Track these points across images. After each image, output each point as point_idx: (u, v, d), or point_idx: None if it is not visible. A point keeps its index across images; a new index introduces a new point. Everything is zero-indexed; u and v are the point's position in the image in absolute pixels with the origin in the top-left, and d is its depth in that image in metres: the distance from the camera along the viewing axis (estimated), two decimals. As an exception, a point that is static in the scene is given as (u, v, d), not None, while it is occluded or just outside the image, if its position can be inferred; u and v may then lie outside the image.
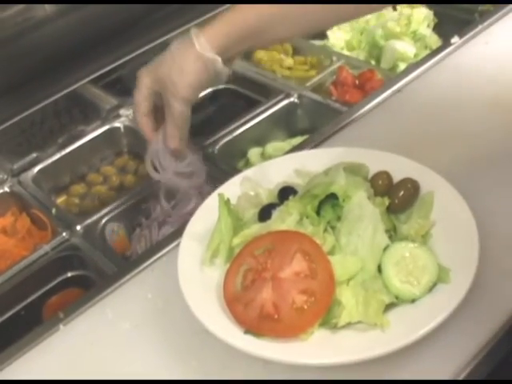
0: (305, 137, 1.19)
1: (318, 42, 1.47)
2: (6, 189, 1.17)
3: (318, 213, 0.81)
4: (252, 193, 0.91)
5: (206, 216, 0.87)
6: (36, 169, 1.20)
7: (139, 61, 1.39)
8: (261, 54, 1.41)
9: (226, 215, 0.83)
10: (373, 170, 0.89)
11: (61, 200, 1.24)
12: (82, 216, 1.09)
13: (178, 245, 0.86)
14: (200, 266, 0.82)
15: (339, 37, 1.47)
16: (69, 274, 1.05)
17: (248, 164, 1.23)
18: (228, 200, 0.85)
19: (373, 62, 1.43)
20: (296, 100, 1.27)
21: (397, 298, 0.74)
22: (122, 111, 1.30)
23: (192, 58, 0.90)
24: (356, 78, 1.31)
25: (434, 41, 1.45)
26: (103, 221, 1.06)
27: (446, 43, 1.25)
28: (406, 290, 0.74)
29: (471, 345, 0.75)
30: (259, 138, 1.25)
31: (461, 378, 0.73)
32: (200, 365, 0.77)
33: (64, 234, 1.04)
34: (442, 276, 0.75)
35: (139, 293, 0.87)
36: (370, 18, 1.48)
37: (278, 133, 1.27)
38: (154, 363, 0.79)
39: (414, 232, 0.80)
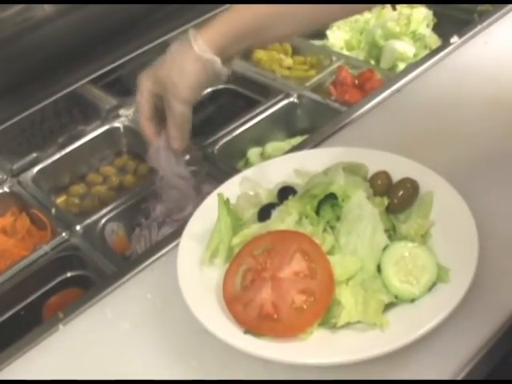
0: (304, 137, 1.19)
1: (317, 42, 1.47)
2: (6, 189, 1.17)
3: (317, 213, 0.82)
4: (251, 193, 0.91)
5: (206, 216, 0.87)
6: (36, 169, 1.20)
7: (139, 61, 1.39)
8: (260, 54, 1.41)
9: (225, 215, 0.83)
10: (372, 169, 0.89)
11: (60, 200, 1.24)
12: (82, 216, 1.09)
13: (177, 245, 0.86)
14: (199, 265, 0.82)
15: (339, 37, 1.47)
16: (68, 274, 1.05)
17: (247, 164, 1.23)
18: (227, 200, 0.85)
19: (372, 62, 1.43)
20: (295, 100, 1.27)
21: (396, 297, 0.74)
22: (122, 111, 1.30)
23: (191, 59, 0.91)
24: (355, 77, 1.31)
25: (434, 41, 1.45)
26: (103, 221, 1.06)
27: (445, 43, 1.25)
28: (406, 290, 0.74)
29: (470, 344, 0.75)
30: (259, 137, 1.25)
31: (460, 377, 0.73)
32: (199, 365, 0.77)
33: (64, 234, 1.04)
34: (441, 276, 0.75)
35: (139, 293, 0.87)
36: (369, 17, 1.48)
37: (278, 133, 1.27)
38: (153, 363, 0.79)
39: (414, 232, 0.80)
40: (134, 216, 1.10)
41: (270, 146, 1.25)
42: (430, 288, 0.74)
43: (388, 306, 0.74)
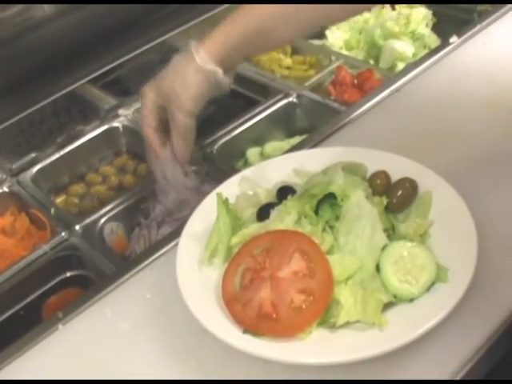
0: (303, 136, 1.19)
1: (316, 42, 1.47)
2: (5, 189, 1.17)
3: (316, 212, 0.82)
4: (250, 192, 0.91)
5: (205, 216, 0.87)
6: (35, 169, 1.20)
7: (138, 61, 1.40)
8: (260, 54, 1.41)
9: (224, 215, 0.83)
10: (371, 169, 0.89)
11: (60, 200, 1.24)
12: (81, 216, 1.09)
13: (176, 244, 0.86)
14: (198, 265, 0.82)
15: (338, 36, 1.47)
16: (68, 274, 1.05)
17: (247, 164, 1.23)
18: (226, 199, 0.85)
19: (371, 62, 1.43)
20: (295, 100, 1.27)
21: (395, 297, 0.75)
22: (121, 111, 1.30)
23: (193, 70, 0.92)
24: (355, 77, 1.31)
25: (433, 40, 1.45)
26: (102, 220, 1.06)
27: (444, 43, 1.25)
28: (405, 289, 0.74)
29: (470, 344, 0.75)
30: (258, 137, 1.25)
31: (459, 377, 0.73)
32: (199, 364, 0.77)
33: (63, 233, 1.04)
34: (440, 275, 0.75)
35: (138, 292, 0.87)
36: (368, 17, 1.48)
37: (277, 132, 1.27)
38: (152, 363, 0.79)
39: (413, 231, 0.80)
40: (133, 216, 1.10)
41: (270, 146, 1.25)
42: (429, 287, 0.74)
43: (387, 306, 0.74)
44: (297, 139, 1.23)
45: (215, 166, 1.12)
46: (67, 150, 1.24)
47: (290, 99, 1.27)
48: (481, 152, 0.99)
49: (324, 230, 0.80)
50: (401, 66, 1.38)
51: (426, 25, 1.46)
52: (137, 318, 0.84)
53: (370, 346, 0.71)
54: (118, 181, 1.26)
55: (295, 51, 1.44)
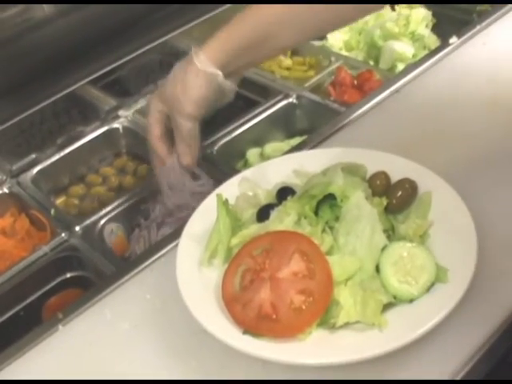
0: (303, 137, 1.19)
1: (316, 43, 1.47)
2: (5, 190, 1.17)
3: (316, 213, 0.82)
4: (250, 193, 0.91)
5: (205, 216, 0.87)
6: (35, 170, 1.20)
7: (139, 61, 1.40)
8: (259, 55, 1.41)
9: (224, 215, 0.83)
10: (371, 170, 0.89)
11: (60, 201, 1.24)
12: (81, 217, 1.09)
13: (176, 245, 0.86)
14: (198, 266, 0.82)
15: (338, 37, 1.47)
16: (68, 275, 1.05)
17: (247, 164, 1.23)
18: (226, 200, 0.85)
19: (371, 63, 1.43)
20: (294, 100, 1.27)
21: (395, 297, 0.75)
22: (121, 112, 1.30)
23: (193, 74, 0.92)
24: (354, 78, 1.32)
25: (433, 41, 1.45)
26: (102, 221, 1.06)
27: (444, 43, 1.25)
28: (404, 290, 0.74)
29: (469, 344, 0.75)
30: (258, 138, 1.25)
31: (459, 377, 0.73)
32: (199, 365, 0.77)
33: (63, 234, 1.04)
34: (440, 276, 0.75)
35: (138, 293, 0.87)
36: (368, 18, 1.48)
37: (277, 133, 1.27)
38: (152, 363, 0.79)
39: (412, 232, 0.80)
40: (133, 217, 1.10)
41: (269, 147, 1.25)
42: (429, 288, 0.74)
43: (387, 306, 0.74)
44: (297, 140, 1.23)
45: (215, 167, 1.12)
46: (67, 150, 1.24)
47: (290, 100, 1.27)
48: (481, 152, 0.99)
49: (324, 230, 0.80)
50: (401, 66, 1.38)
51: (426, 25, 1.46)
52: (137, 319, 0.84)
53: (370, 346, 0.71)
54: (118, 182, 1.26)
55: (295, 52, 1.44)
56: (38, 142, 1.29)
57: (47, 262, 1.02)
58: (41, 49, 1.30)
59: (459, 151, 1.00)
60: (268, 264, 0.76)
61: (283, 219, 0.81)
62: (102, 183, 1.27)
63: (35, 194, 1.15)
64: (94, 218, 1.07)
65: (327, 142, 1.08)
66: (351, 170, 0.88)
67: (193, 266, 0.82)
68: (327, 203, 0.82)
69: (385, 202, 0.83)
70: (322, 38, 1.47)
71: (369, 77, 1.30)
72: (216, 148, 1.17)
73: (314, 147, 1.06)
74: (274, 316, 0.73)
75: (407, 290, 0.74)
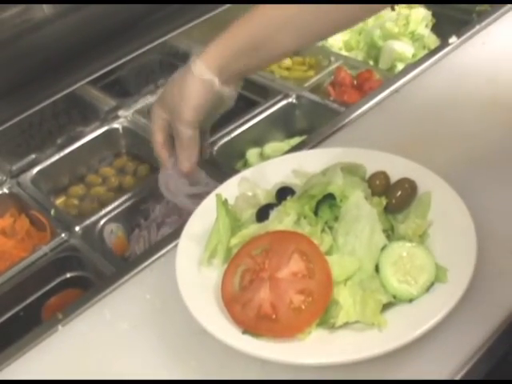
0: (303, 137, 1.19)
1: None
2: (5, 190, 1.17)
3: (315, 213, 0.82)
4: (250, 193, 0.91)
5: (204, 216, 0.87)
6: (35, 170, 1.21)
7: (138, 62, 1.40)
8: (259, 55, 1.41)
9: (223, 216, 0.83)
10: (370, 170, 0.89)
11: (60, 201, 1.25)
12: (81, 217, 1.10)
13: (176, 245, 0.86)
14: (198, 266, 0.82)
15: (337, 37, 1.47)
16: (68, 275, 1.05)
17: (246, 164, 1.23)
18: (226, 200, 0.85)
19: (371, 63, 1.43)
20: (294, 100, 1.27)
21: (394, 297, 0.75)
22: (121, 112, 1.30)
23: (190, 81, 0.92)
24: (354, 78, 1.32)
25: (433, 41, 1.45)
26: (102, 222, 1.07)
27: (443, 43, 1.25)
28: (404, 290, 0.74)
29: (469, 344, 0.75)
30: (257, 138, 1.25)
31: (459, 377, 0.73)
32: (198, 365, 0.77)
33: (63, 235, 1.04)
34: (439, 275, 0.75)
35: (138, 293, 0.88)
36: (368, 18, 1.48)
37: (277, 133, 1.27)
38: (152, 363, 0.79)
39: (412, 232, 0.80)
40: (133, 217, 1.10)
41: (269, 147, 1.25)
42: (428, 288, 0.74)
43: (386, 306, 0.74)
44: (296, 140, 1.24)
45: (215, 167, 1.12)
46: (67, 151, 1.25)
47: (290, 100, 1.27)
48: (480, 152, 0.99)
49: (323, 230, 0.80)
50: (400, 66, 1.38)
51: (426, 25, 1.47)
52: (136, 319, 0.84)
53: (370, 346, 0.71)
54: (118, 182, 1.26)
55: (295, 52, 1.44)
56: (38, 143, 1.29)
57: (47, 263, 1.02)
58: (40, 49, 1.30)
59: (459, 151, 1.00)
60: (267, 264, 0.76)
61: (283, 219, 0.81)
62: (102, 183, 1.27)
63: (35, 195, 1.15)
64: (93, 218, 1.07)
65: (327, 141, 1.08)
66: (351, 169, 0.88)
67: (192, 266, 0.82)
68: (327, 203, 0.82)
69: (384, 201, 0.83)
70: (322, 37, 1.47)
71: (368, 77, 1.30)
72: (216, 148, 1.17)
73: (313, 147, 1.06)
74: (274, 316, 0.73)
75: (407, 290, 0.74)
